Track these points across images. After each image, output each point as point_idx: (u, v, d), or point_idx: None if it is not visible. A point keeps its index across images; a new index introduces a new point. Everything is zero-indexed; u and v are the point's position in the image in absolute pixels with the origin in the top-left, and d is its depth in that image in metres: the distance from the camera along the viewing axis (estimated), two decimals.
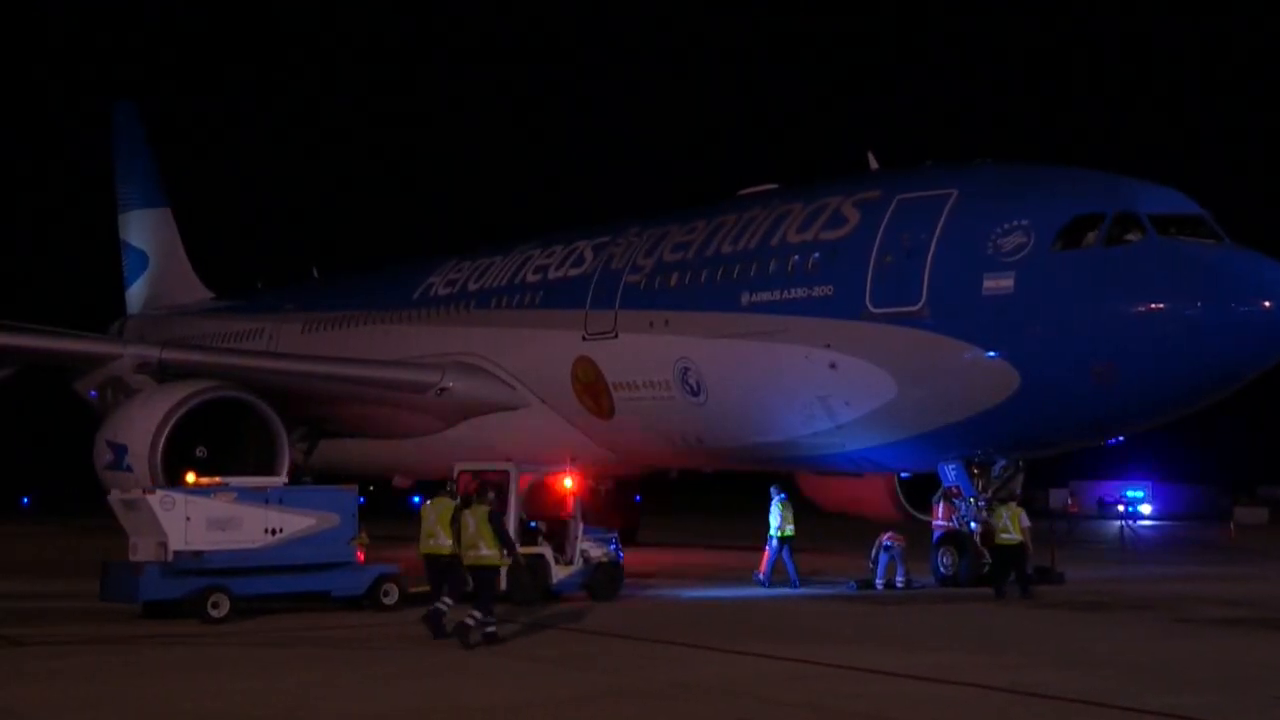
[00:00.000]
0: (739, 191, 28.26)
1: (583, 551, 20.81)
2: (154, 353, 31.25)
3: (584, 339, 27.84)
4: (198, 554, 17.93)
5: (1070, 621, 18.64)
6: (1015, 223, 21.48)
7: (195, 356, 32.65)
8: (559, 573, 20.49)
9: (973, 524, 22.52)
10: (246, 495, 18.69)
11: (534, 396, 29.46)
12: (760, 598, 21.89)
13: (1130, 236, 21.07)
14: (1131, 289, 20.72)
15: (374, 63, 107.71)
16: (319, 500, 19.47)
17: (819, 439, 24.25)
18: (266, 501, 18.68)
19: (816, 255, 23.86)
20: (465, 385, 30.53)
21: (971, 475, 22.78)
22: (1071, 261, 21.06)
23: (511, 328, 30.22)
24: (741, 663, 14.35)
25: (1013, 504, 22.03)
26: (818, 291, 23.53)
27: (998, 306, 21.27)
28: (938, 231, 22.12)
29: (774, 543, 23.44)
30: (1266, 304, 20.17)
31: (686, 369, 25.59)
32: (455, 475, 19.78)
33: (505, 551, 16.22)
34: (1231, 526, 43.72)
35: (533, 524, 20.69)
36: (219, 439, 27.77)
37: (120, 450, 27.35)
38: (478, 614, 15.63)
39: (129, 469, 26.96)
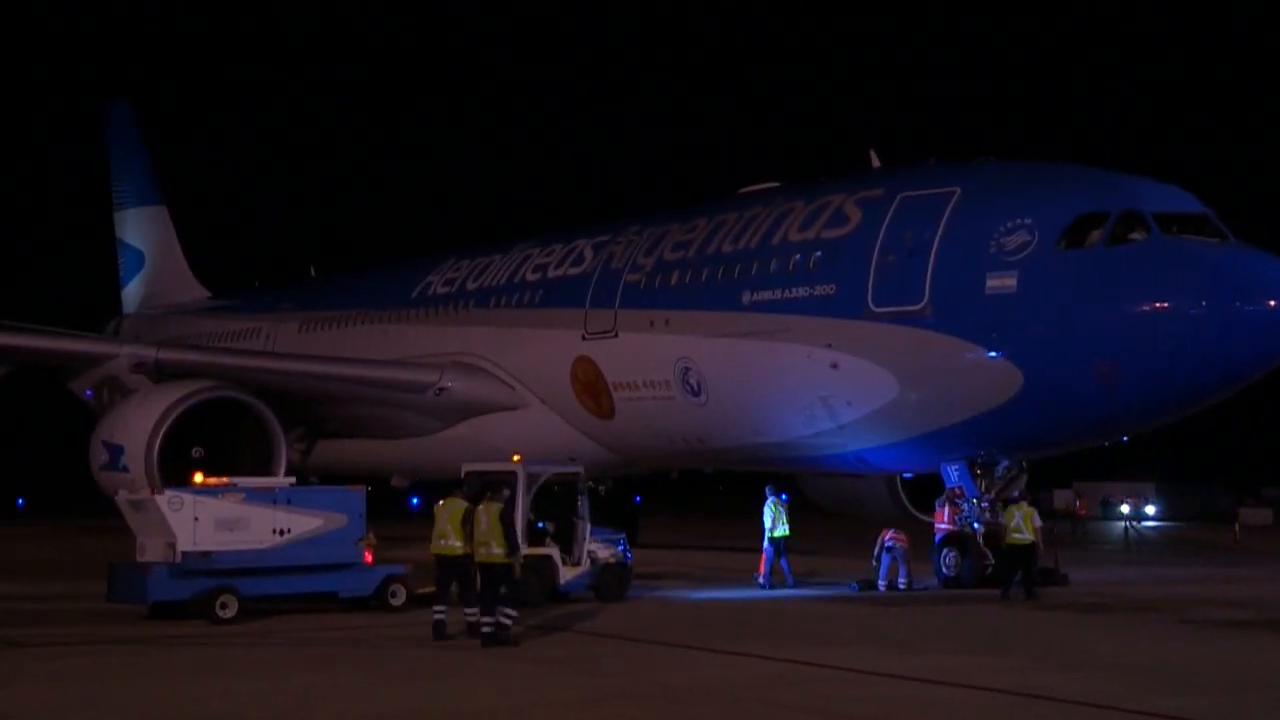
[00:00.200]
0: (740, 190, 28.18)
1: (590, 552, 20.69)
2: (150, 352, 31.15)
3: (584, 338, 27.72)
4: (206, 554, 17.86)
5: (1074, 623, 18.56)
6: (1019, 221, 21.38)
7: (192, 356, 32.55)
8: (566, 574, 20.36)
9: (976, 524, 22.43)
10: (254, 496, 18.64)
11: (533, 396, 29.34)
12: (762, 599, 21.83)
13: (1134, 235, 20.97)
14: (1135, 288, 20.62)
15: (373, 61, 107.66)
16: (327, 501, 19.42)
17: (820, 439, 24.14)
18: (274, 502, 18.62)
19: (818, 254, 23.75)
20: (464, 385, 30.41)
21: (974, 476, 22.68)
22: (1075, 260, 20.96)
23: (511, 327, 30.10)
24: (745, 665, 14.29)
25: (1025, 504, 21.97)
26: (819, 291, 23.42)
27: (1001, 306, 21.17)
28: (940, 230, 22.02)
29: (768, 544, 23.33)
30: (1271, 303, 20.08)
31: (687, 369, 25.48)
32: (463, 475, 19.71)
33: (509, 553, 16.13)
34: (1236, 528, 43.60)
35: (540, 524, 20.56)
36: (216, 439, 27.67)
37: (116, 451, 27.24)
38: (511, 612, 15.73)
39: (125, 470, 26.85)
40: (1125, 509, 50.59)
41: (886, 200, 23.26)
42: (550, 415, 28.96)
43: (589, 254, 29.00)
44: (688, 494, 48.66)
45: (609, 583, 20.78)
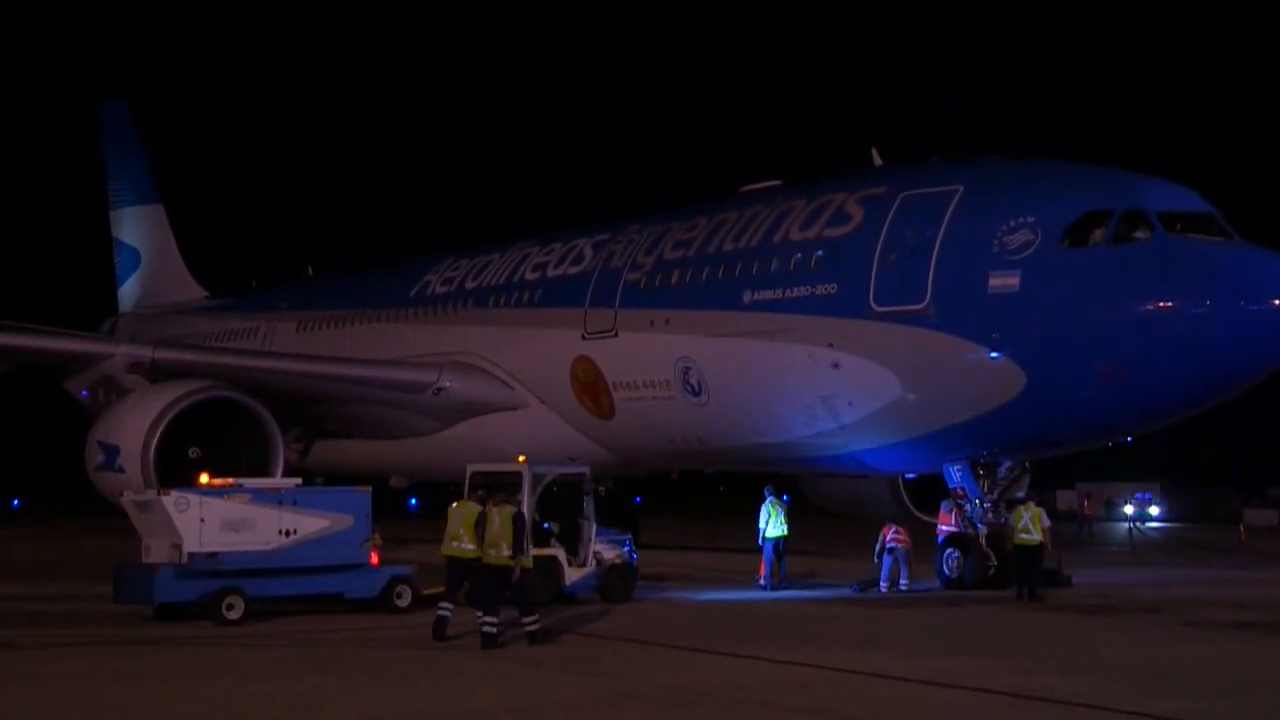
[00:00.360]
0: (741, 188, 28.06)
1: (596, 553, 20.58)
2: (146, 352, 31.04)
3: (583, 338, 27.60)
4: (212, 555, 17.77)
5: (1077, 625, 18.47)
6: (1022, 220, 21.26)
7: (188, 356, 32.43)
8: (572, 575, 20.25)
9: (978, 525, 22.31)
10: (261, 496, 18.56)
11: (533, 396, 29.22)
12: (764, 601, 21.75)
13: (1138, 234, 20.86)
14: (1139, 287, 20.50)
15: (372, 61, 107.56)
16: (333, 502, 19.33)
17: (822, 439, 24.03)
18: (280, 503, 18.54)
19: (820, 253, 23.63)
20: (463, 385, 30.28)
21: (977, 477, 22.58)
22: (1079, 259, 20.85)
23: (510, 326, 29.98)
24: (746, 667, 14.23)
25: (1032, 504, 21.86)
26: (821, 290, 23.30)
27: (1004, 305, 21.05)
28: (943, 229, 21.90)
29: (766, 545, 23.19)
30: (1276, 302, 19.95)
31: (687, 368, 25.35)
32: (468, 476, 19.57)
33: (513, 554, 16.03)
34: (1241, 529, 43.49)
35: (545, 525, 20.42)
36: (213, 440, 27.57)
37: (112, 451, 27.12)
38: (532, 617, 15.77)
39: (121, 470, 26.73)
40: (1129, 510, 50.48)
41: (888, 199, 23.14)
42: (550, 415, 28.84)
43: (589, 253, 28.88)
44: (688, 494, 48.56)
45: (615, 584, 20.66)
